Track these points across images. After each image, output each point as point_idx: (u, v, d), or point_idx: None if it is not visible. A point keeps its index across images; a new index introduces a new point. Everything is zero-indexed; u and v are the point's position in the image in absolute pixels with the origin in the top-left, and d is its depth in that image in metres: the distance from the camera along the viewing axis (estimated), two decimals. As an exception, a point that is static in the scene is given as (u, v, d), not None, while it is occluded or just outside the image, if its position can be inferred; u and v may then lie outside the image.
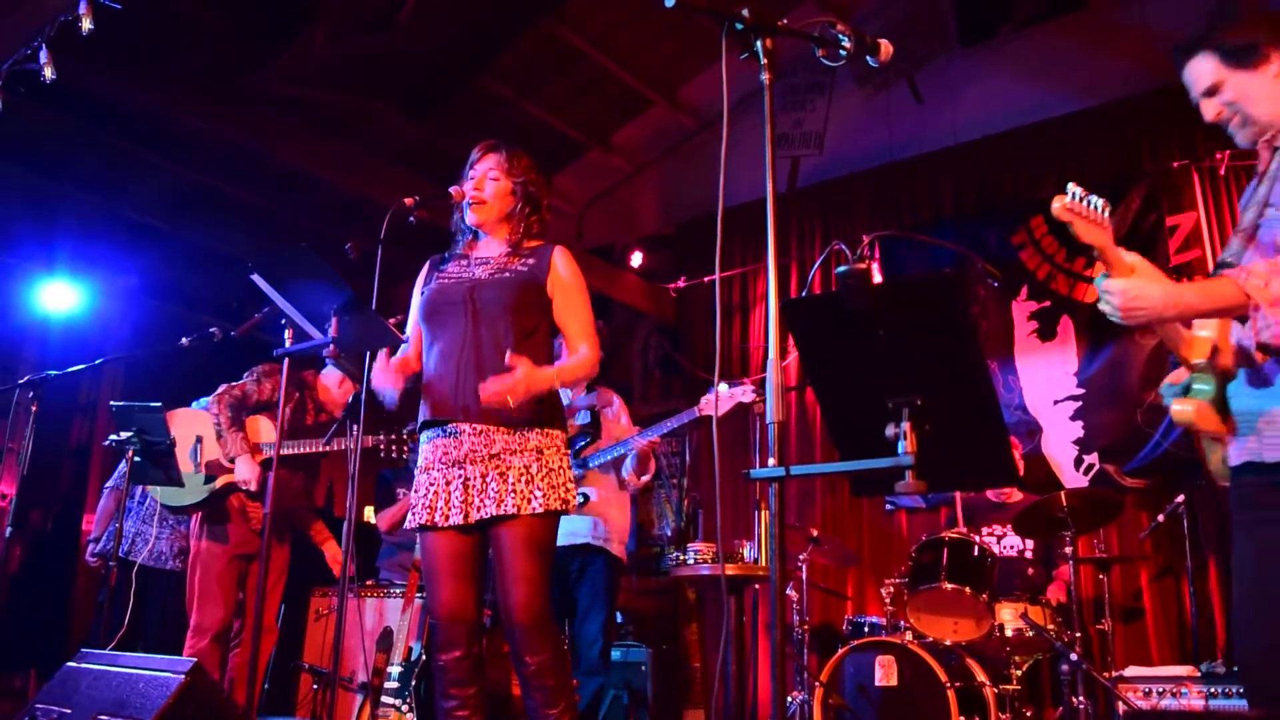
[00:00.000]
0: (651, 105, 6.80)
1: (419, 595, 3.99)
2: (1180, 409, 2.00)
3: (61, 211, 6.06)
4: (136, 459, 3.77)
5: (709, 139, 6.89)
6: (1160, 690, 3.67)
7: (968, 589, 3.95)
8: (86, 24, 3.58)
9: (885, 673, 3.84)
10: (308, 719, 4.72)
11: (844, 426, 1.80)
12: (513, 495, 2.51)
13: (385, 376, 2.62)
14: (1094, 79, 5.47)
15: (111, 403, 3.90)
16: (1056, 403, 5.33)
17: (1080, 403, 5.26)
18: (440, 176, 3.09)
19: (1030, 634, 3.94)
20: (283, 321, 2.92)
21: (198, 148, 5.64)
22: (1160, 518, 4.38)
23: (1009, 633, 3.97)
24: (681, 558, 4.05)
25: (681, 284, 6.84)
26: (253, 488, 4.07)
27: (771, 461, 1.68)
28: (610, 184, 7.47)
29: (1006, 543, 4.61)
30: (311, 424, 4.35)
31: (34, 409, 4.01)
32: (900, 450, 1.59)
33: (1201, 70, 2.05)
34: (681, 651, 6.05)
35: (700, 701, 5.80)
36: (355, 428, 2.89)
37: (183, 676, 2.41)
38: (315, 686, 4.76)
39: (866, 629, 4.38)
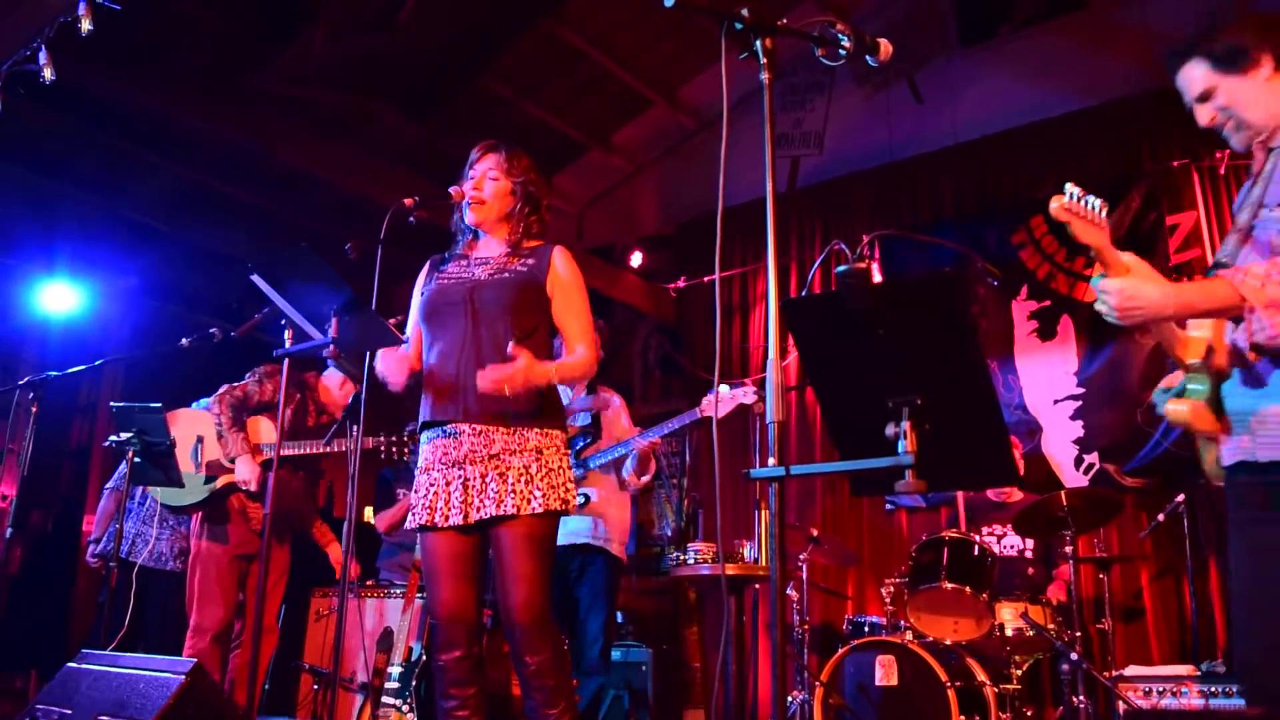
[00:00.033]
0: (651, 105, 6.81)
1: (419, 595, 3.99)
2: (1175, 408, 2.00)
3: (61, 212, 6.06)
4: (136, 460, 3.77)
5: (709, 139, 6.89)
6: (1160, 689, 3.67)
7: (968, 588, 3.95)
8: (86, 24, 3.58)
9: (885, 672, 3.84)
10: (308, 719, 4.72)
11: (844, 426, 1.80)
12: (512, 495, 2.51)
13: (391, 364, 2.67)
14: (1094, 79, 5.47)
15: (111, 403, 3.89)
16: (1056, 402, 5.33)
17: (1080, 402, 5.26)
18: (440, 176, 3.09)
19: (1030, 633, 3.94)
20: (283, 322, 2.92)
21: (198, 148, 5.64)
22: (1160, 517, 4.38)
23: (1009, 632, 3.97)
24: (682, 557, 4.05)
25: (681, 284, 6.85)
26: (252, 488, 4.07)
27: (771, 461, 1.68)
28: (610, 184, 7.47)
29: (1007, 542, 4.61)
30: (313, 425, 4.35)
31: (34, 410, 4.01)
32: (900, 450, 1.59)
33: (1193, 77, 2.06)
34: (682, 651, 6.05)
35: (700, 701, 5.80)
36: (355, 428, 2.89)
37: (183, 677, 2.40)
38: (316, 687, 4.76)
39: (867, 629, 4.38)
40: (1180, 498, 4.31)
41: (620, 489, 4.09)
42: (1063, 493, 4.01)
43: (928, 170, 6.01)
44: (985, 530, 4.63)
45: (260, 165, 5.76)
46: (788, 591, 4.51)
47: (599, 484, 4.02)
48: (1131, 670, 3.85)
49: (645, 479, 4.03)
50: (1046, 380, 5.38)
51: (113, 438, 3.77)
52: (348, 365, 4.29)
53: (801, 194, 6.45)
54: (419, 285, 2.81)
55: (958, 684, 3.72)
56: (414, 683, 3.83)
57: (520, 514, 2.50)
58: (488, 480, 2.53)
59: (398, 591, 4.80)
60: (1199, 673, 3.66)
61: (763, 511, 4.02)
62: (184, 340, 4.09)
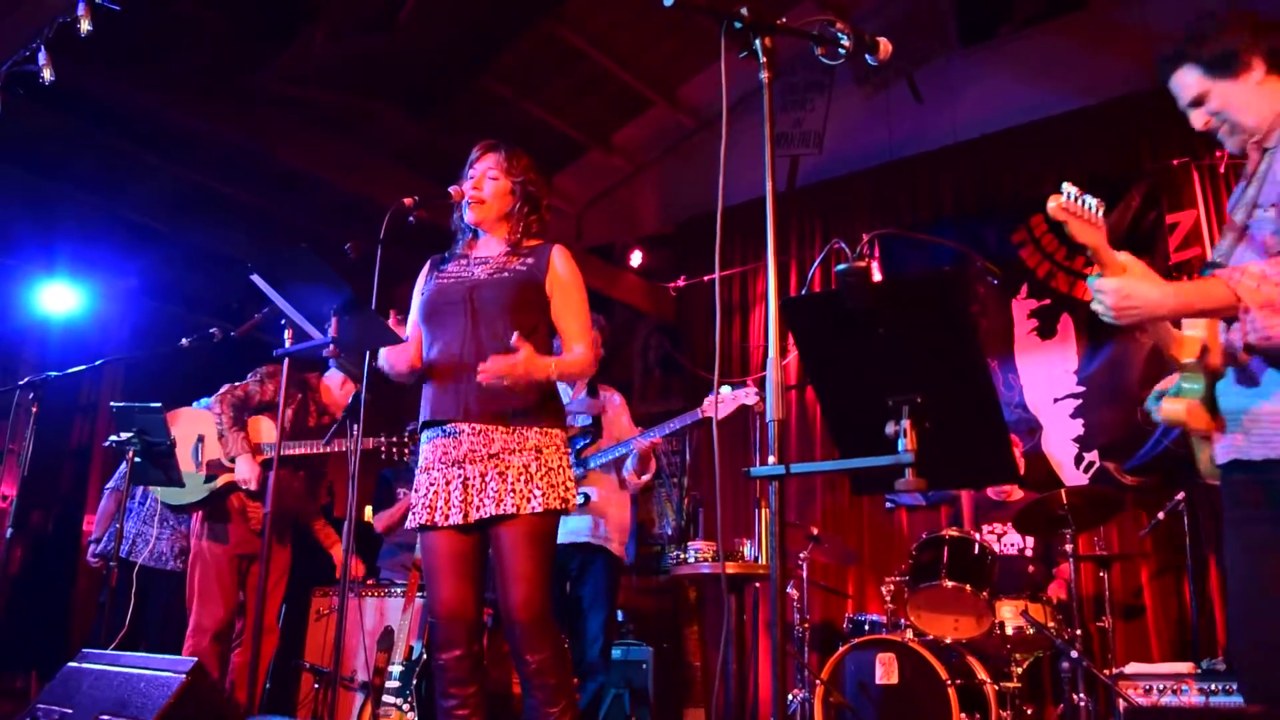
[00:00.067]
0: (651, 105, 6.81)
1: (420, 595, 3.99)
2: (1170, 407, 2.01)
3: (61, 213, 6.06)
4: (137, 460, 3.77)
5: (708, 138, 6.89)
6: (1160, 687, 3.68)
7: (968, 587, 3.95)
8: (85, 25, 3.58)
9: (886, 670, 3.84)
10: (309, 719, 4.72)
11: (844, 424, 1.80)
12: (512, 494, 2.51)
13: (393, 353, 2.70)
14: (1094, 78, 5.47)
15: (112, 403, 3.90)
16: (1056, 400, 5.34)
17: (1080, 400, 5.26)
18: (440, 176, 3.09)
19: (1031, 631, 3.95)
20: (282, 322, 2.92)
21: (197, 148, 5.64)
22: (1160, 515, 4.37)
23: (1009, 630, 3.98)
24: (682, 556, 4.05)
25: (681, 283, 6.84)
26: (252, 487, 4.07)
27: (771, 459, 1.69)
28: (610, 184, 7.47)
29: (1007, 540, 4.61)
30: (314, 426, 4.35)
31: (34, 410, 4.01)
32: (900, 448, 1.59)
33: (1185, 83, 2.06)
34: (682, 650, 6.05)
35: (701, 700, 5.81)
36: (355, 428, 2.90)
37: (184, 676, 2.41)
38: (316, 686, 4.76)
39: (867, 627, 4.39)
40: (1180, 496, 4.30)
41: (620, 488, 4.09)
42: (1063, 491, 4.01)
43: (927, 169, 6.01)
44: (985, 529, 4.63)
45: (260, 165, 5.76)
46: (788, 590, 4.51)
47: (599, 483, 4.03)
48: (1132, 668, 3.86)
49: (645, 478, 4.04)
50: (1046, 379, 5.38)
51: (113, 438, 3.78)
52: (348, 365, 4.29)
53: (801, 193, 6.45)
54: (419, 285, 2.81)
55: (958, 682, 3.72)
56: (414, 682, 3.84)
57: (520, 513, 2.50)
58: (488, 479, 2.53)
59: (398, 591, 4.80)
60: (1199, 670, 3.66)
61: (763, 510, 4.03)
62: (184, 340, 4.10)
